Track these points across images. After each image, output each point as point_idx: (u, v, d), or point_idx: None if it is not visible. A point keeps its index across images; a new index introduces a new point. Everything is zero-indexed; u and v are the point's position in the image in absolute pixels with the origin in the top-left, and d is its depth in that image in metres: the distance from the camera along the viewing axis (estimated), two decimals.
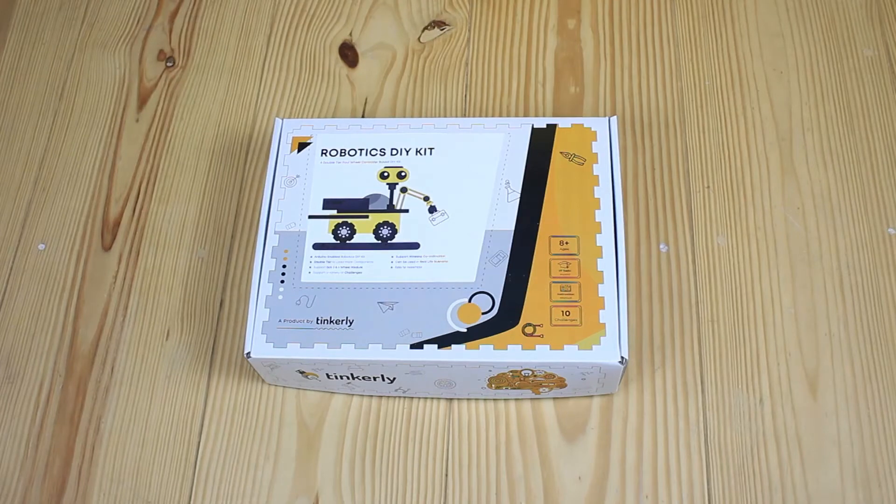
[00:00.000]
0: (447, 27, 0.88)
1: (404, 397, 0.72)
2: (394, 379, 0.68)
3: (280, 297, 0.68)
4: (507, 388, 0.69)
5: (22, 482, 0.70)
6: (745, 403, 0.70)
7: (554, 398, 0.71)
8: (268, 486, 0.69)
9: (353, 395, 0.72)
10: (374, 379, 0.68)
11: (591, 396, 0.71)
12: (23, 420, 0.72)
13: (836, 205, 0.77)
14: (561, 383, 0.68)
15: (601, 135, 0.73)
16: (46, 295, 0.77)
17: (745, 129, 0.81)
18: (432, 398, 0.71)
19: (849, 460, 0.68)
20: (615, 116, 0.74)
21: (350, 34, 0.89)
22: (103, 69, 0.88)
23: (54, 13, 0.91)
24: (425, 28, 0.88)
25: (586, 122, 0.74)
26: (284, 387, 0.72)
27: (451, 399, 0.71)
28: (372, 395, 0.72)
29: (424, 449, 0.70)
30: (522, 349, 0.65)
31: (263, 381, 0.72)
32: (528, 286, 0.67)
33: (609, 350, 0.65)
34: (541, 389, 0.69)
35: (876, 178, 0.78)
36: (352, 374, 0.68)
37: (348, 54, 0.87)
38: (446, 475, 0.69)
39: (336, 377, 0.69)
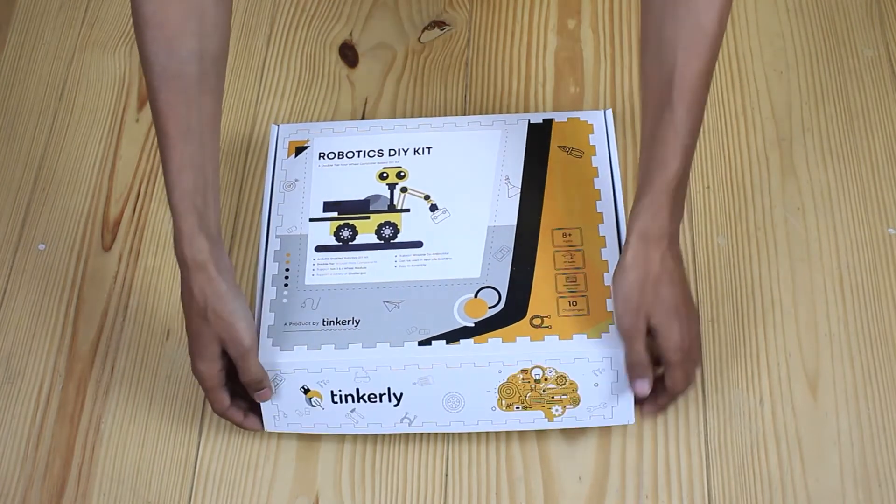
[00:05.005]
0: (447, 27, 0.88)
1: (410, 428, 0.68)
2: (400, 396, 0.66)
3: (284, 300, 0.68)
4: (517, 407, 0.66)
5: (22, 482, 0.70)
6: (745, 403, 0.70)
7: (563, 430, 0.68)
8: (268, 486, 0.69)
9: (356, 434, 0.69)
10: (381, 398, 0.66)
11: None
12: (23, 420, 0.72)
13: (836, 205, 0.77)
14: (573, 393, 0.66)
15: (597, 127, 0.74)
16: (46, 295, 0.77)
17: (745, 129, 0.81)
18: (437, 434, 0.69)
19: (849, 460, 0.68)
20: (609, 109, 0.74)
21: (350, 34, 0.89)
22: (103, 69, 0.88)
23: (54, 13, 0.91)
24: (425, 28, 0.88)
25: (582, 115, 0.74)
26: (286, 431, 0.69)
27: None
28: (376, 434, 0.69)
29: (424, 449, 0.70)
30: (531, 340, 0.65)
31: None
32: (534, 279, 0.67)
33: (618, 338, 0.64)
34: (553, 409, 0.66)
35: (876, 178, 0.78)
36: (357, 391, 0.66)
37: (348, 54, 0.87)
38: (446, 475, 0.69)
39: (341, 399, 0.66)
